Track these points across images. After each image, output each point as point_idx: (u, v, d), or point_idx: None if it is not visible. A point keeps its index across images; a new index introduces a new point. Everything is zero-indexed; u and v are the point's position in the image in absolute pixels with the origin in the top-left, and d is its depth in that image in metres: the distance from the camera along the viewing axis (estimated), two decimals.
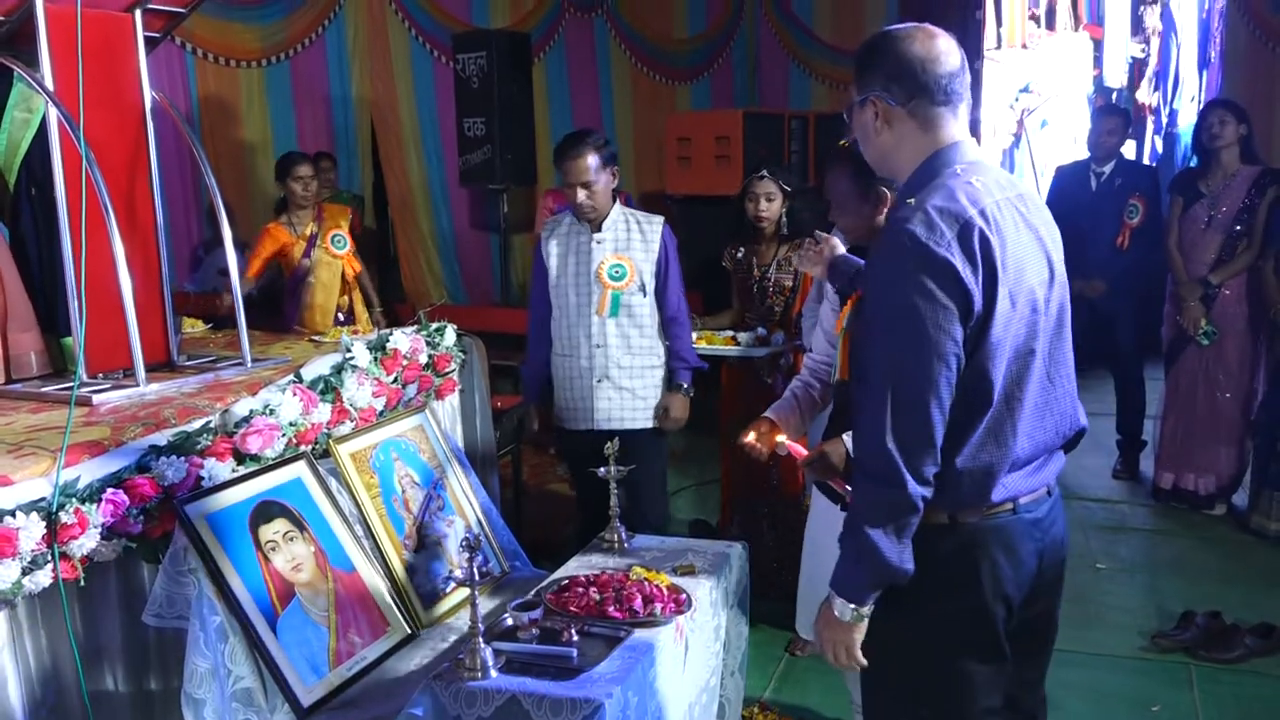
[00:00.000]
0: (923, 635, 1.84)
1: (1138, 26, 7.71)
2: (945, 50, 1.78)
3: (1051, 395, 1.83)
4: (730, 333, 3.94)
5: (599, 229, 3.42)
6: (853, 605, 1.79)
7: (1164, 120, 7.80)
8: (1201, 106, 6.43)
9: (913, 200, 1.74)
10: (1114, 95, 7.33)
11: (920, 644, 1.86)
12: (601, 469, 2.73)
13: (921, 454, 1.69)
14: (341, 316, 4.94)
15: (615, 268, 3.40)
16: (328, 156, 6.70)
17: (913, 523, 1.73)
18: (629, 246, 3.43)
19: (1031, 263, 1.77)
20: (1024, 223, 1.78)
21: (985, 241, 1.69)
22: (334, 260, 4.90)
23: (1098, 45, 6.91)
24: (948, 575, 1.81)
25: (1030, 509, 1.84)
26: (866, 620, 1.81)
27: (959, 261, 1.66)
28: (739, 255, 3.92)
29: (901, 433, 1.69)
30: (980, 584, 1.80)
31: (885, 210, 2.47)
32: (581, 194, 3.33)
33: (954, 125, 1.82)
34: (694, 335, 3.71)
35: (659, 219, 3.51)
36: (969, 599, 1.81)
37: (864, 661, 1.85)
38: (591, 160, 3.31)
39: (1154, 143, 7.64)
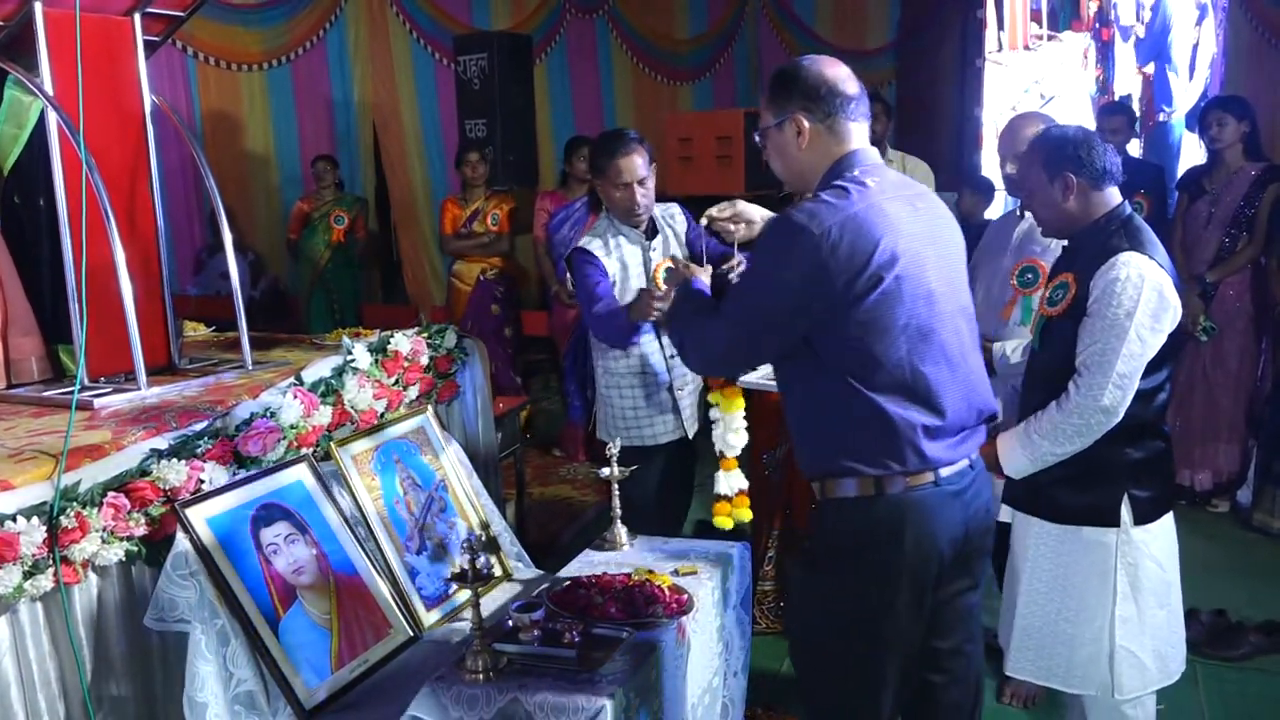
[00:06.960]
0: (850, 595, 2.09)
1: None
2: (847, 76, 2.09)
3: (962, 374, 2.06)
4: None
5: (650, 234, 3.28)
6: None
7: (1164, 105, 7.73)
8: (1204, 103, 6.40)
9: (810, 195, 2.02)
10: (1110, 93, 7.29)
11: (849, 606, 2.09)
12: (604, 469, 2.73)
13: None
14: None
15: (667, 270, 3.17)
16: (329, 159, 6.72)
17: None
18: (668, 245, 3.31)
19: (923, 253, 2.01)
20: (916, 217, 2.03)
21: (867, 230, 1.93)
22: None
23: (1104, 46, 6.88)
24: (876, 539, 2.05)
25: (951, 481, 2.06)
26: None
27: (828, 246, 1.91)
28: None
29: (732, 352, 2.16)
30: (902, 547, 2.03)
31: (1073, 198, 2.40)
32: (639, 192, 3.15)
33: (859, 137, 2.09)
34: None
35: (673, 205, 3.41)
36: (895, 558, 2.04)
37: None
38: (642, 157, 3.16)
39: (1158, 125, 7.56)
